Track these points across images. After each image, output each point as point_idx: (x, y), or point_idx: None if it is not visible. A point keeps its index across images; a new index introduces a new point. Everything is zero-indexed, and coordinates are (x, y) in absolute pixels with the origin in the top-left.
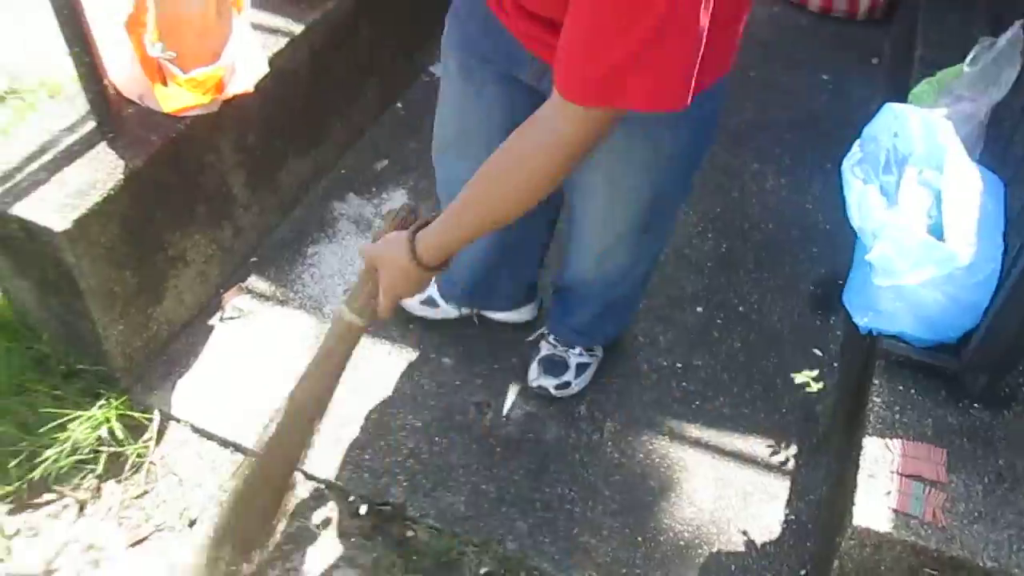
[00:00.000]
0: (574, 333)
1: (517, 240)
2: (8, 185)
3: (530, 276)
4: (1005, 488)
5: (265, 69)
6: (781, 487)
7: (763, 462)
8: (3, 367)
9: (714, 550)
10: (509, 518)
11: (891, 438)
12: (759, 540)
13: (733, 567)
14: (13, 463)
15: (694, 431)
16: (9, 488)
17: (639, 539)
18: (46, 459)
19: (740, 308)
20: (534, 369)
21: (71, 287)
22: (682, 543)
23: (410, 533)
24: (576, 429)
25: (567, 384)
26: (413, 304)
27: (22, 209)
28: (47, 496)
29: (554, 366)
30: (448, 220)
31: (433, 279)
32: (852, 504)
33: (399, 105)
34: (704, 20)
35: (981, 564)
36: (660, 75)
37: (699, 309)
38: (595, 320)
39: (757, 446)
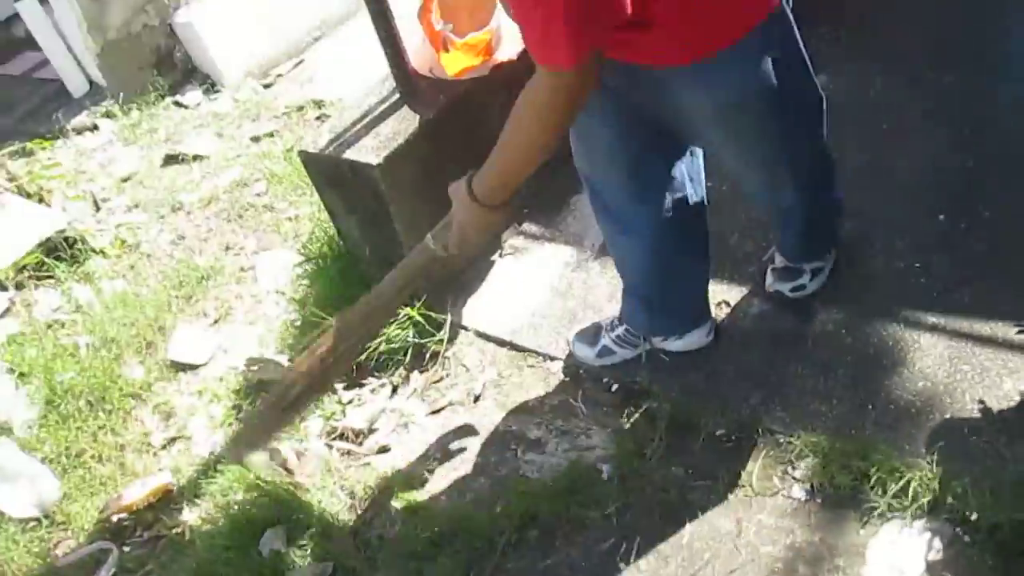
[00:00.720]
0: (796, 250)
1: (678, 265)
2: (340, 140)
3: (697, 297)
4: None
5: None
6: (1022, 361)
7: (1004, 340)
8: (341, 284)
9: (946, 416)
10: (744, 391)
11: None
12: (995, 407)
13: (966, 429)
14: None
15: (930, 318)
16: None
17: (869, 407)
18: (369, 349)
19: (986, 214)
20: (769, 275)
21: (384, 215)
22: (913, 410)
23: (654, 404)
24: (810, 320)
25: (802, 287)
26: (590, 357)
27: (350, 154)
28: (370, 379)
29: (788, 273)
30: (489, 162)
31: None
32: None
33: None
34: None
35: None
36: (543, 41)
37: (941, 217)
38: (805, 235)
39: (998, 327)
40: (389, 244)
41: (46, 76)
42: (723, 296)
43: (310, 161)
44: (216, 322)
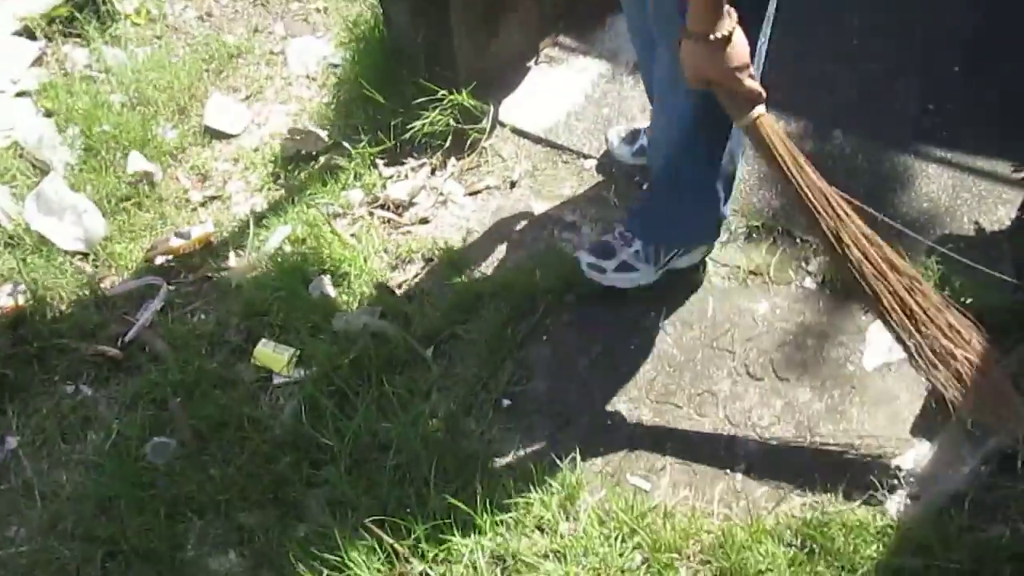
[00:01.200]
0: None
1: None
2: None
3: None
4: None
5: None
6: (1017, 195)
7: (1001, 176)
8: (381, 71)
9: (946, 232)
10: (766, 198)
11: None
12: (988, 228)
13: (962, 244)
14: (391, 129)
15: (938, 151)
16: (387, 146)
17: (879, 218)
18: (412, 128)
19: (997, 68)
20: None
21: (440, 6)
22: (918, 224)
23: None
24: (829, 141)
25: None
26: (626, 155)
27: None
28: (410, 159)
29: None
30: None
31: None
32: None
33: None
34: None
35: None
36: None
37: (956, 69)
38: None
39: (998, 165)
40: (439, 33)
41: None
42: None
43: None
44: (248, 99)
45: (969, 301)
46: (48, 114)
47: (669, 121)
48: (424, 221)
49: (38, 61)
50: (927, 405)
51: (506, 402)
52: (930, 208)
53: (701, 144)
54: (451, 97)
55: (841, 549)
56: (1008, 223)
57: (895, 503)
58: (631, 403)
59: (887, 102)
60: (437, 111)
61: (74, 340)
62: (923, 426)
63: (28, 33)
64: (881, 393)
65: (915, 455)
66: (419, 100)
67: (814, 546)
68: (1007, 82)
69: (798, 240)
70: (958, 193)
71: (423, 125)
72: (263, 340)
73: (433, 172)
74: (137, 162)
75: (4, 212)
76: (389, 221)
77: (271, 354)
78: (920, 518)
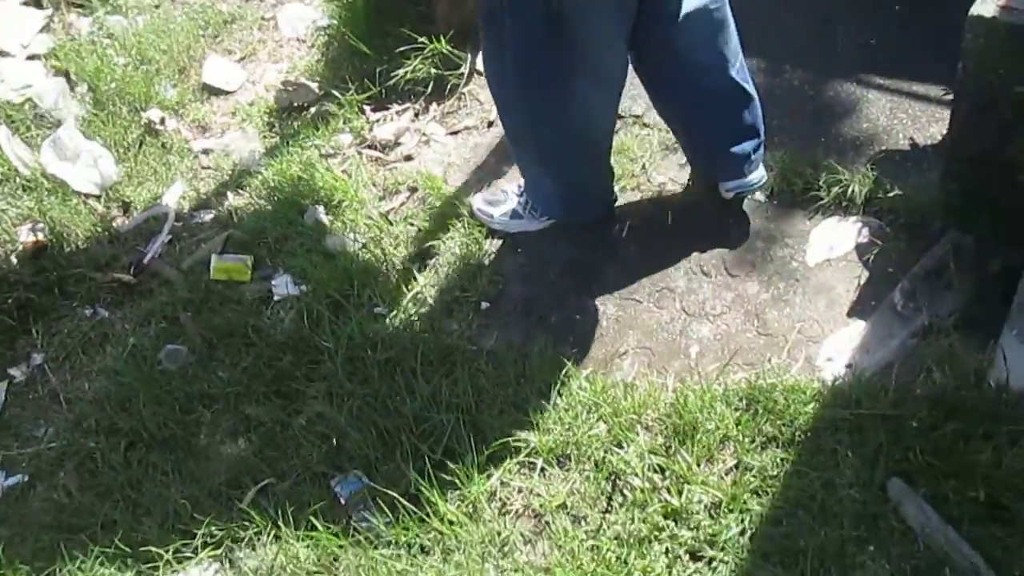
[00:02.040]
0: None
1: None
2: None
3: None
4: None
5: None
6: (946, 113)
7: (934, 98)
8: (369, 25)
9: (883, 147)
10: None
11: None
12: (921, 143)
13: (897, 157)
14: (377, 77)
15: (877, 79)
16: (372, 93)
17: (823, 138)
18: (396, 76)
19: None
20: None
21: None
22: (858, 142)
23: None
24: (781, 77)
25: None
26: (501, 222)
27: None
28: (395, 105)
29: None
30: None
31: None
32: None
33: None
34: None
35: None
36: None
37: (897, 8)
38: None
39: (931, 89)
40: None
41: None
42: None
43: None
44: (242, 59)
45: (899, 193)
46: (58, 73)
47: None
48: (408, 158)
49: (45, 28)
50: (863, 292)
51: (484, 304)
52: (870, 128)
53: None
54: (432, 46)
55: (782, 409)
56: (939, 138)
57: (831, 371)
58: (597, 301)
59: (833, 39)
60: (419, 59)
61: (90, 270)
62: (858, 309)
63: (35, 3)
64: (821, 284)
65: (850, 333)
66: (402, 49)
67: (758, 407)
68: (941, 16)
69: None
70: (895, 114)
71: (406, 72)
72: (214, 256)
73: (416, 116)
74: (148, 114)
75: (22, 160)
76: (377, 159)
77: (231, 265)
78: (851, 381)
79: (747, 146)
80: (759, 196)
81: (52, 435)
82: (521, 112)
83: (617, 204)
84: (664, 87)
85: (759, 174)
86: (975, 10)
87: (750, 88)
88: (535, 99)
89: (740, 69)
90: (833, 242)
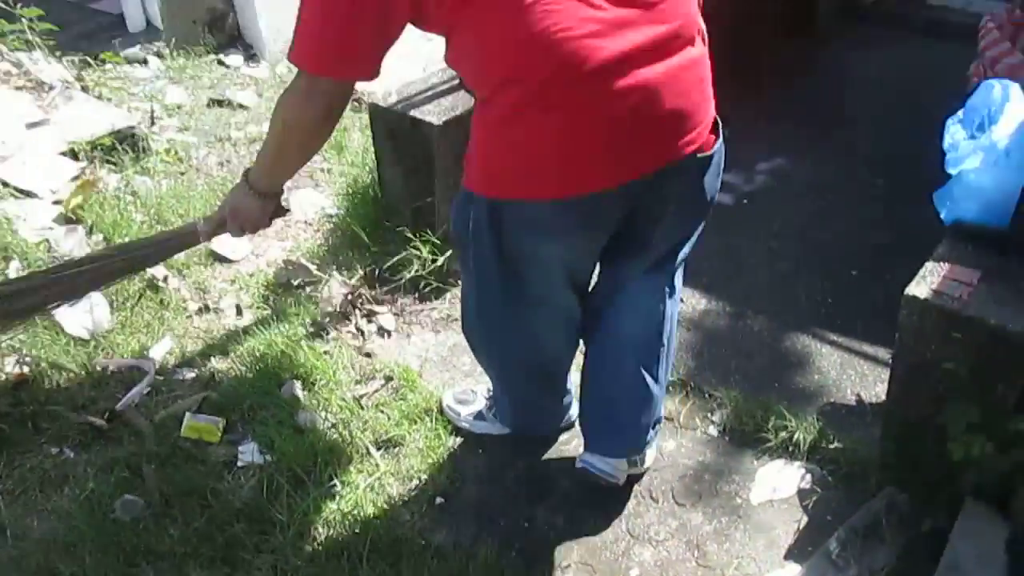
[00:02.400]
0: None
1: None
2: (407, 102)
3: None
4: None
5: None
6: None
7: (881, 360)
8: (370, 221)
9: (831, 400)
10: (684, 360)
11: (943, 262)
12: (867, 400)
13: (843, 411)
14: (372, 268)
15: (832, 335)
16: (366, 282)
17: (776, 384)
18: (391, 270)
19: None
20: None
21: (428, 169)
22: (808, 392)
23: None
24: (742, 321)
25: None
26: (467, 422)
27: (414, 113)
28: (386, 296)
29: None
30: (260, 150)
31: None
32: (905, 288)
33: None
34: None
35: (987, 322)
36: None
37: (853, 272)
38: None
39: (879, 351)
40: (424, 194)
41: (100, 8)
42: None
43: (377, 112)
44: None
45: (840, 446)
46: (78, 221)
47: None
48: (388, 347)
49: (76, 179)
50: (801, 536)
51: (439, 499)
52: (820, 380)
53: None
54: (426, 250)
55: None
56: (883, 398)
57: None
58: (548, 511)
59: (794, 294)
60: (414, 257)
61: (66, 409)
62: (795, 552)
63: (72, 155)
64: (763, 523)
65: (786, 575)
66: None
67: None
68: (893, 286)
69: (707, 395)
70: (845, 370)
71: (400, 267)
72: (187, 415)
73: (403, 309)
74: (153, 271)
75: None
76: (359, 346)
77: (202, 425)
78: None
79: (623, 439)
80: (712, 431)
81: None
82: (479, 330)
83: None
84: (588, 336)
85: (616, 469)
86: (910, 290)
87: (656, 391)
88: (489, 322)
89: (649, 365)
90: (777, 484)
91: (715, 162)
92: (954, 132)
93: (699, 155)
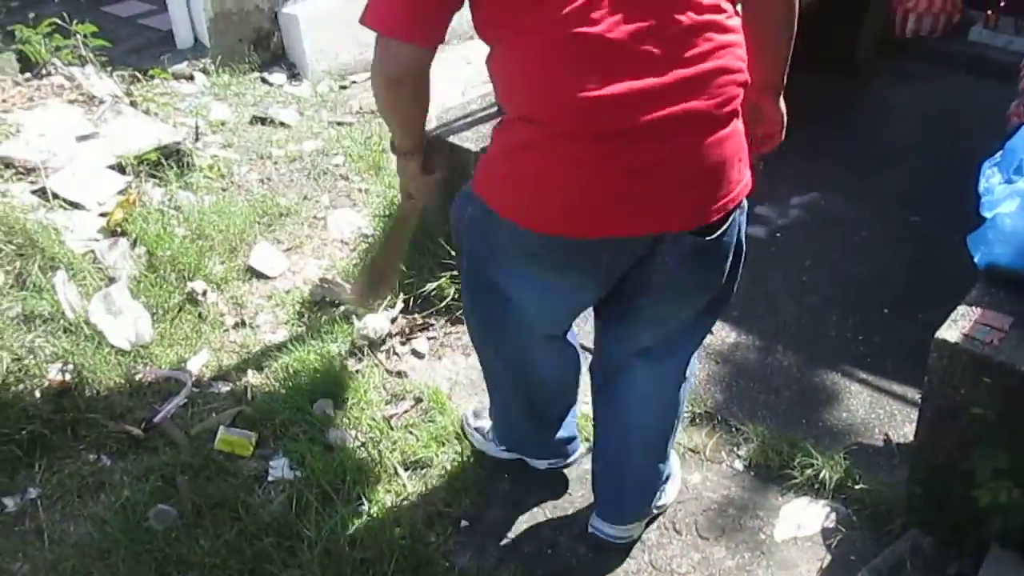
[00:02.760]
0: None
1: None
2: (445, 128)
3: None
4: None
5: None
6: None
7: (911, 399)
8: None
9: (859, 439)
10: (712, 392)
11: (974, 306)
12: (895, 440)
13: (871, 450)
14: (406, 289)
15: (862, 374)
16: (401, 303)
17: (803, 421)
18: (424, 291)
19: (920, 315)
20: None
21: None
22: (836, 430)
23: None
24: (773, 356)
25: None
26: (472, 434)
27: (452, 139)
28: (418, 317)
29: None
30: None
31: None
32: (938, 331)
33: None
34: None
35: (1018, 368)
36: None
37: (885, 311)
38: None
39: (908, 390)
40: None
41: (150, 24)
42: None
43: None
44: (288, 250)
45: (866, 487)
46: (123, 234)
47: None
48: (420, 369)
49: (122, 192)
50: (824, 575)
51: (464, 523)
52: (848, 418)
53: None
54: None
55: None
56: (911, 438)
57: None
58: (571, 538)
59: (824, 330)
60: (447, 279)
61: (104, 418)
62: None
63: (120, 168)
64: (786, 560)
65: None
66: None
67: None
68: (924, 326)
69: (734, 428)
70: (874, 409)
71: (433, 290)
72: (221, 428)
73: (436, 332)
74: (193, 285)
75: (71, 305)
76: (391, 368)
77: (235, 439)
78: None
79: (628, 511)
80: (738, 465)
81: (27, 572)
82: (471, 327)
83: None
84: (596, 399)
85: (626, 531)
86: (941, 333)
87: (663, 468)
88: (479, 321)
89: (655, 450)
90: (802, 521)
91: (723, 244)
92: (990, 175)
93: (700, 236)
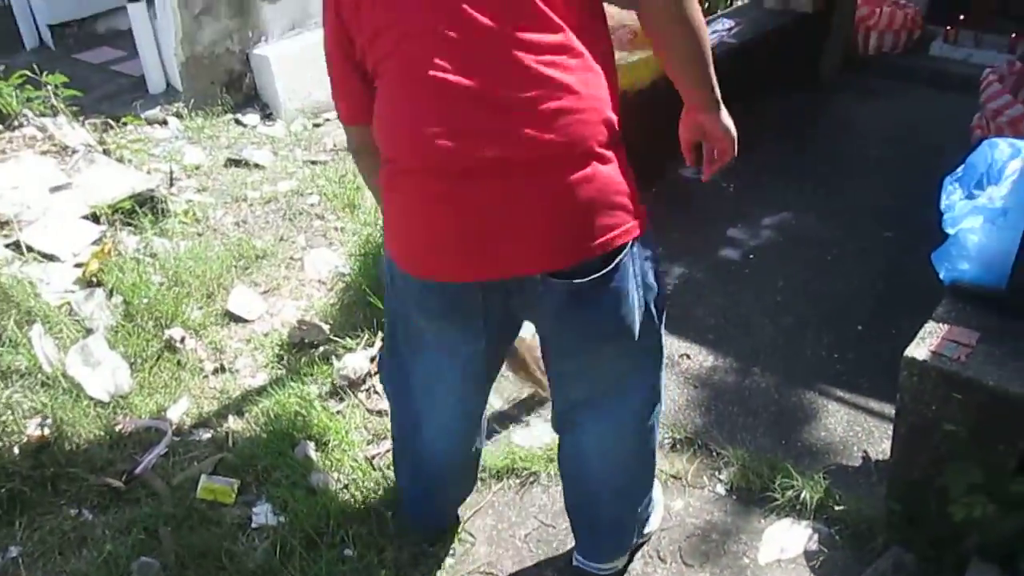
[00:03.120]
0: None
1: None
2: None
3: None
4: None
5: None
6: None
7: (887, 415)
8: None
9: (838, 458)
10: (692, 416)
11: (942, 323)
12: (874, 458)
13: (850, 469)
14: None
15: (838, 392)
16: (378, 342)
17: (783, 441)
18: None
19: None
20: None
21: None
22: (815, 450)
23: None
24: (749, 376)
25: None
26: None
27: None
28: None
29: None
30: None
31: None
32: (906, 348)
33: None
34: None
35: (986, 383)
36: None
37: (859, 327)
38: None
39: (885, 407)
40: None
41: (122, 70)
42: (685, 350)
43: None
44: (265, 292)
45: (846, 507)
46: (99, 284)
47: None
48: None
49: (96, 242)
50: None
51: (450, 560)
52: (827, 437)
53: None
54: None
55: None
56: (889, 455)
57: None
58: (556, 571)
59: (800, 349)
60: None
61: (85, 471)
62: None
63: (94, 218)
64: None
65: None
66: None
67: None
68: (899, 342)
69: (714, 452)
70: (852, 427)
71: None
72: (203, 476)
73: None
74: (171, 332)
75: (48, 358)
76: (372, 407)
77: (217, 487)
78: None
79: (607, 551)
80: (720, 489)
81: None
82: (384, 364)
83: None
84: (558, 455)
85: (609, 566)
86: (910, 351)
87: (637, 514)
88: (389, 360)
89: (624, 499)
90: (784, 543)
91: (610, 289)
92: (951, 191)
93: (571, 279)
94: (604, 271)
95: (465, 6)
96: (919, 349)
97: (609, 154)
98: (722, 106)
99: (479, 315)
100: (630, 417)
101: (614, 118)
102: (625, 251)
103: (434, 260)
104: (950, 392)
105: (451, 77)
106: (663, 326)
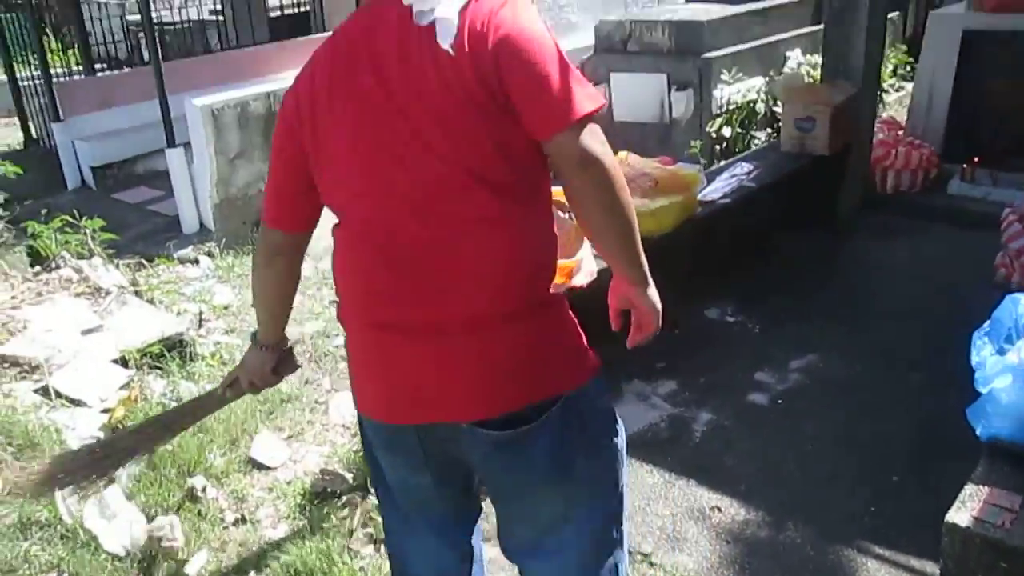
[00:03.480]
0: None
1: None
2: None
3: None
4: None
5: (594, 276)
6: None
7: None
8: None
9: None
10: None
11: (982, 485)
12: None
13: None
14: None
15: (876, 548)
16: None
17: None
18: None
19: (931, 479)
20: None
21: None
22: None
23: None
24: (782, 531)
25: None
26: None
27: None
28: None
29: None
30: None
31: None
32: (946, 513)
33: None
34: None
35: None
36: None
37: (895, 478)
38: None
39: (928, 564)
40: None
41: (158, 210)
42: (716, 502)
43: None
44: (289, 438)
45: None
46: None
47: None
48: None
49: (124, 387)
50: None
51: None
52: None
53: None
54: None
55: None
56: None
57: None
58: None
59: (835, 501)
60: None
61: None
62: None
63: (123, 362)
64: None
65: None
66: None
67: None
68: (939, 494)
69: None
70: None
71: None
72: None
73: None
74: (193, 480)
75: (69, 510)
76: None
77: None
78: None
79: None
80: None
81: None
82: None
83: None
84: None
85: None
86: (951, 517)
87: None
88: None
89: None
90: None
91: (539, 440)
92: (980, 347)
93: (496, 429)
94: (532, 423)
95: (416, 145)
96: (960, 514)
97: (544, 307)
98: (649, 281)
99: (419, 453)
100: (576, 560)
101: (553, 268)
102: (559, 401)
103: (369, 401)
104: (996, 560)
105: (391, 233)
106: (621, 473)
